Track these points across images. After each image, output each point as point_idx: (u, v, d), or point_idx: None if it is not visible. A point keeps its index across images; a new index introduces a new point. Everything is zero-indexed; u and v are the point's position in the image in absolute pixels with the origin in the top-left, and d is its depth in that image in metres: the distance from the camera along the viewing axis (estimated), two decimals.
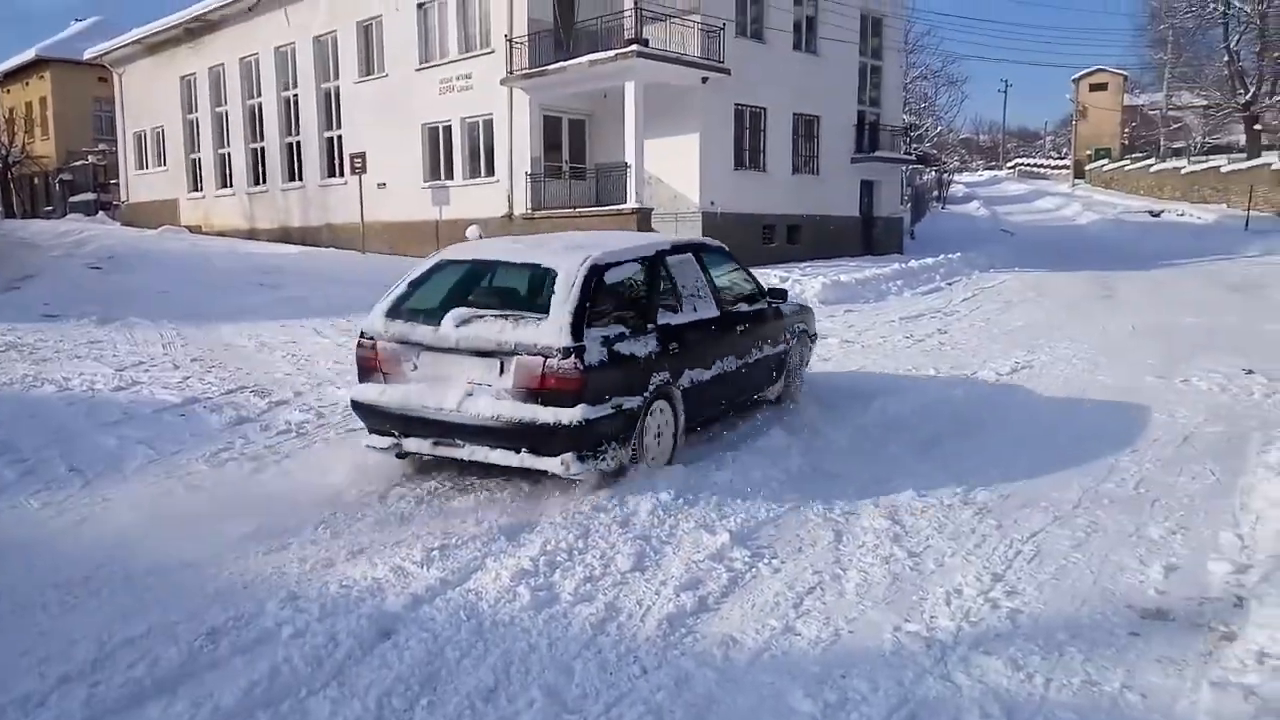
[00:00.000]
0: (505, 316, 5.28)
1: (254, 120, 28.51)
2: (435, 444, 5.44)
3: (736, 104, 21.31)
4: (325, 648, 3.50)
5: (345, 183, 24.51)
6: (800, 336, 7.72)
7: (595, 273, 5.40)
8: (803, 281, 16.16)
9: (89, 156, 40.28)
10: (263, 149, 28.29)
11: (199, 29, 29.42)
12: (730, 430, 6.81)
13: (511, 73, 20.26)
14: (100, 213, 37.47)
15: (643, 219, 18.56)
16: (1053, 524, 4.95)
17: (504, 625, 3.76)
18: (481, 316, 5.30)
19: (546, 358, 5.03)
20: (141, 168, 34.30)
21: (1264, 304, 14.85)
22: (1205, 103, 43.15)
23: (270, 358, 9.91)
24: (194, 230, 29.90)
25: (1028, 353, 10.56)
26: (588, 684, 3.32)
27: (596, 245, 5.87)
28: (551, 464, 5.15)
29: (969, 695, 3.25)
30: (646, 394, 5.48)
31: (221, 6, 27.91)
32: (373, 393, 5.55)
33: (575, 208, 20.28)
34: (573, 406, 5.03)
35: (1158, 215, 37.87)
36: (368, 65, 24.50)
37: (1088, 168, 60.19)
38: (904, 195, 30.51)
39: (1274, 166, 34.86)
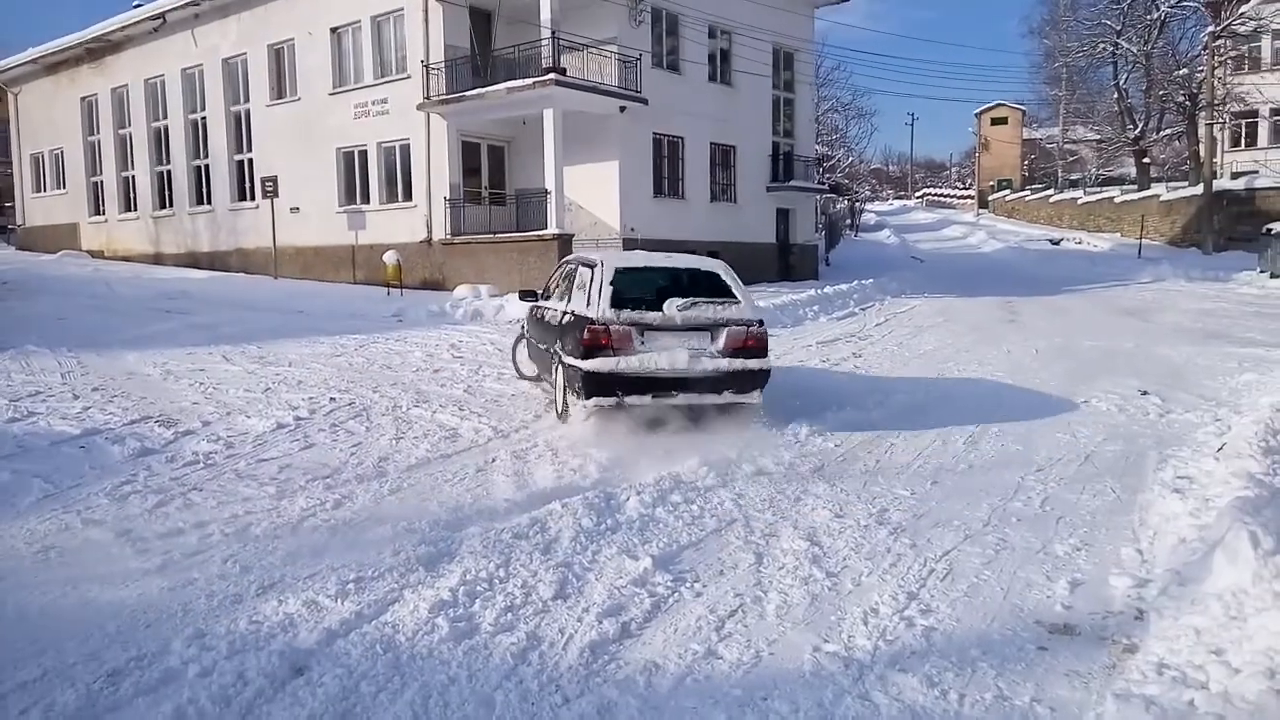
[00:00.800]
0: (710, 302, 7.50)
1: (160, 142, 27.66)
2: (654, 397, 7.33)
3: (655, 133, 21.58)
4: (234, 686, 3.37)
5: (256, 206, 23.94)
6: None
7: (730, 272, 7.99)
8: None
9: None
10: (169, 172, 27.46)
11: (101, 49, 28.50)
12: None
13: (429, 98, 20.14)
14: None
15: (563, 244, 18.59)
16: (964, 542, 5.10)
17: (422, 658, 3.68)
18: (696, 303, 7.44)
19: (748, 326, 7.52)
20: (39, 190, 32.91)
21: (1157, 328, 15.65)
22: (1098, 137, 45.37)
23: (176, 386, 9.54)
24: (96, 255, 28.79)
25: (938, 376, 10.88)
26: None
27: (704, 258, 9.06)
28: (752, 397, 7.60)
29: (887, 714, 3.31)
30: None
31: (124, 27, 27.13)
32: (608, 364, 7.17)
33: (495, 233, 20.22)
34: (764, 358, 7.57)
35: (1057, 243, 39.65)
36: (279, 89, 24.05)
37: (991, 198, 62.63)
38: (818, 223, 31.26)
39: (1162, 198, 36.86)
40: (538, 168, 19.86)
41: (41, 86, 31.66)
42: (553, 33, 18.66)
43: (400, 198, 21.71)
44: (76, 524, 5.25)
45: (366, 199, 22.21)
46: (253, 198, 24.51)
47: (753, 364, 7.49)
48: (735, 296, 7.67)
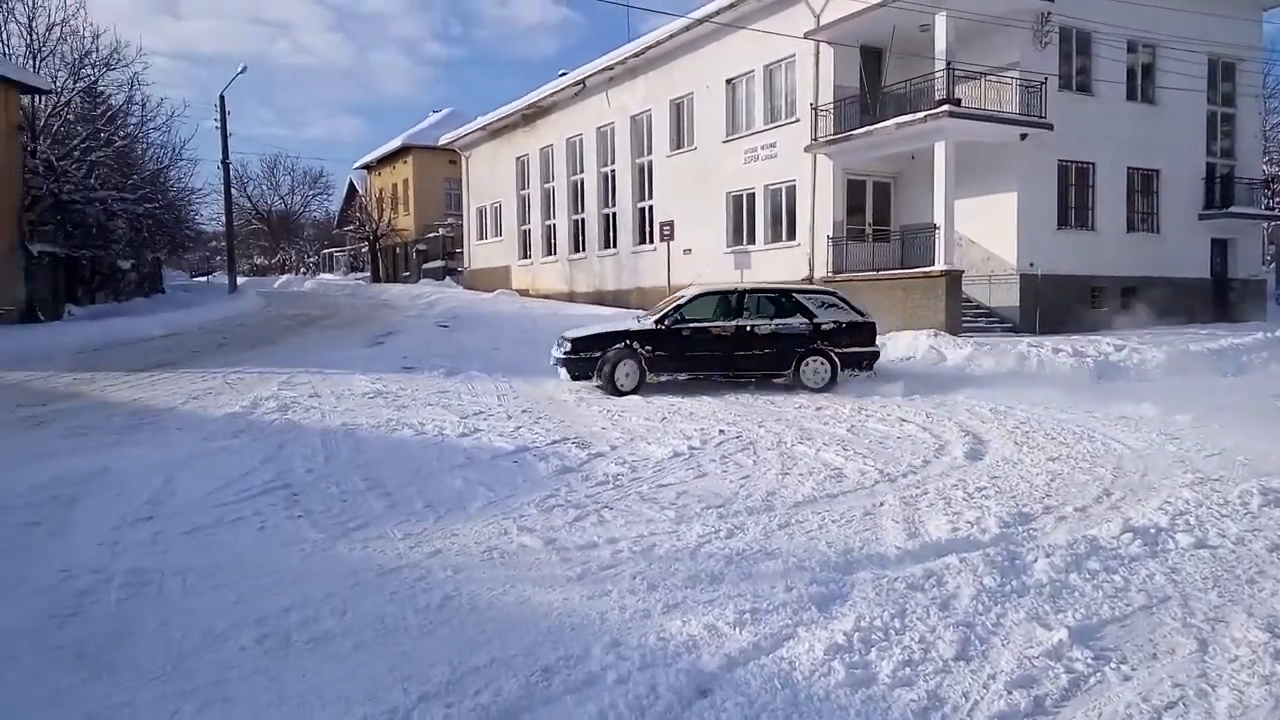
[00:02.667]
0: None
1: (576, 194, 31.10)
2: None
3: (1060, 159, 19.97)
4: (647, 698, 3.61)
5: (654, 249, 25.91)
6: None
7: None
8: (1141, 350, 14.57)
9: (439, 229, 45.94)
10: (583, 220, 30.72)
11: (533, 114, 32.77)
12: None
13: (816, 139, 20.47)
14: (447, 278, 42.56)
15: (952, 281, 17.81)
16: None
17: (819, 699, 3.67)
18: None
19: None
20: (481, 238, 38.51)
21: None
22: None
23: (588, 412, 10.59)
24: (523, 293, 33.01)
25: None
26: None
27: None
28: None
29: None
30: None
31: (553, 94, 30.95)
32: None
33: (878, 270, 19.91)
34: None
35: None
36: (678, 139, 25.91)
37: None
38: (1266, 255, 26.74)
39: None
40: (925, 202, 19.29)
41: (486, 149, 37.19)
42: (947, 64, 18.08)
43: (784, 237, 22.27)
44: (513, 530, 5.98)
45: (752, 239, 23.09)
46: (651, 241, 26.60)
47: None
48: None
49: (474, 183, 38.84)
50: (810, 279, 21.05)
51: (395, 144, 49.46)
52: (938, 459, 8.07)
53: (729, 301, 12.47)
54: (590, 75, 28.65)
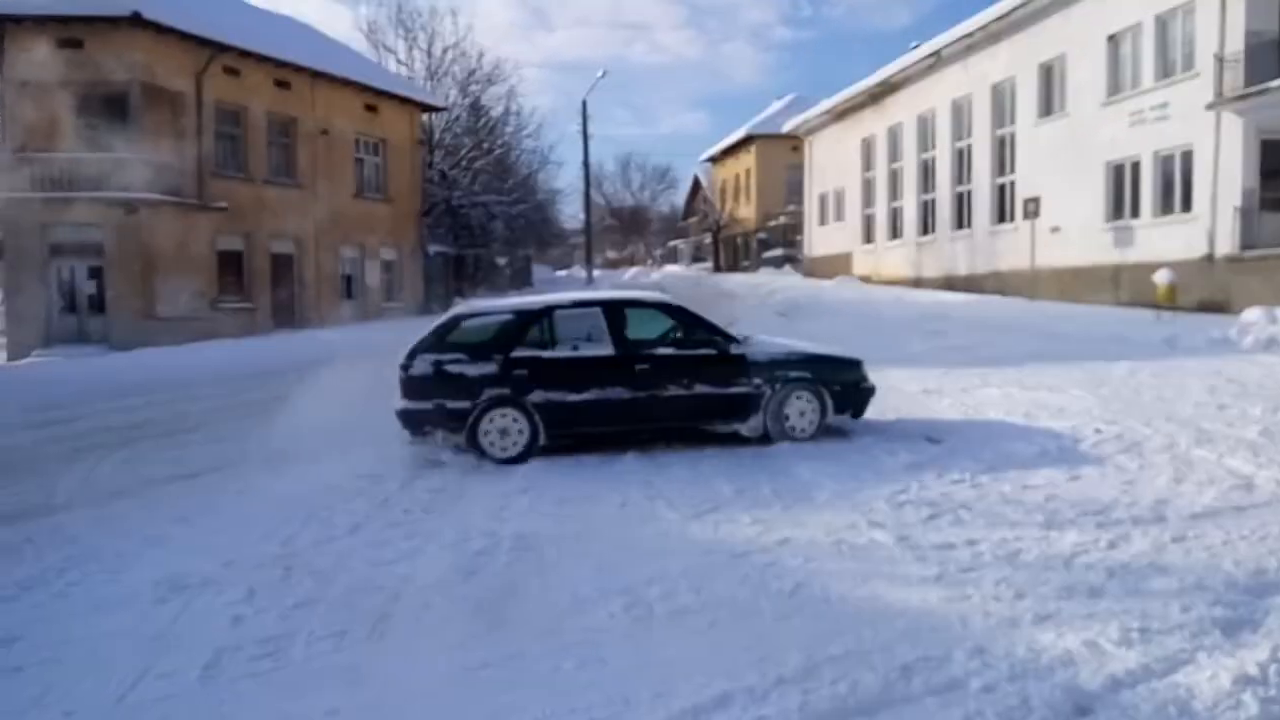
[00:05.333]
0: None
1: (926, 173, 29.72)
2: None
3: None
4: (1018, 710, 3.35)
5: (1015, 228, 24.04)
6: None
7: None
8: None
9: (780, 217, 46.28)
10: (933, 200, 29.30)
11: (881, 92, 31.79)
12: None
13: (1220, 95, 17.72)
14: (786, 265, 42.82)
15: None
16: None
17: None
18: None
19: None
20: (823, 224, 38.22)
21: None
22: None
23: (939, 404, 10.11)
24: (864, 280, 32.28)
25: None
26: None
27: None
28: None
29: None
30: None
31: (904, 69, 29.79)
32: None
33: None
34: None
35: None
36: (1047, 105, 23.74)
37: None
38: None
39: None
40: None
41: (829, 134, 36.78)
42: None
43: (1176, 209, 19.53)
44: (862, 523, 5.85)
45: (1135, 213, 20.53)
46: (1011, 219, 24.69)
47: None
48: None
49: (816, 168, 38.60)
50: (1211, 257, 18.29)
51: (739, 134, 50.54)
52: None
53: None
54: (946, 45, 27.14)
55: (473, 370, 7.98)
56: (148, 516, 6.74)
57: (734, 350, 8.41)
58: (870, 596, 4.59)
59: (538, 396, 7.98)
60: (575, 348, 8.27)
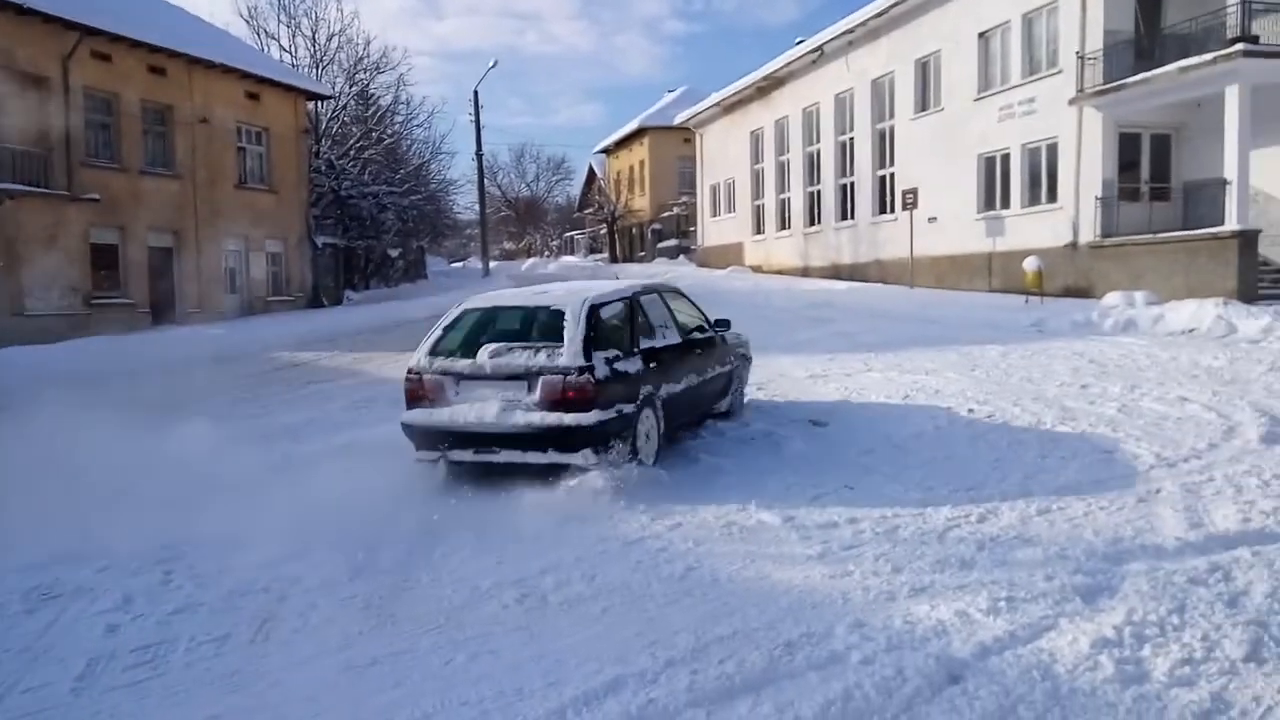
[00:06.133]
0: (527, 347, 6.61)
1: (812, 165, 30.49)
2: (476, 452, 6.60)
3: None
4: (894, 680, 3.52)
5: (895, 219, 24.94)
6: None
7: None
8: None
9: (674, 208, 46.73)
10: (818, 191, 30.09)
11: (768, 86, 32.42)
12: None
13: (1082, 91, 18.79)
14: (680, 256, 43.27)
15: (1246, 243, 15.82)
16: None
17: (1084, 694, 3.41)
18: (510, 348, 6.61)
19: (566, 375, 6.39)
20: (715, 215, 38.78)
21: None
22: None
23: (825, 389, 10.43)
24: (755, 269, 32.93)
25: None
26: None
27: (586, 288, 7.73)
28: (576, 459, 6.38)
29: None
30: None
31: (789, 64, 30.45)
32: (419, 416, 6.76)
33: (1155, 233, 18.01)
34: (587, 412, 6.31)
35: None
36: (923, 101, 24.68)
37: None
38: None
39: None
40: (1213, 155, 17.14)
41: (720, 126, 37.30)
42: None
43: (1043, 200, 20.63)
44: (751, 506, 6.00)
45: (1006, 204, 21.59)
46: (892, 210, 25.60)
47: (571, 419, 6.26)
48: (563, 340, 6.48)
49: (707, 160, 39.11)
50: (1075, 245, 19.40)
51: (632, 126, 50.75)
52: (1226, 441, 7.21)
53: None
54: (829, 40, 27.86)
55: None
56: (12, 523, 6.35)
57: (718, 333, 8.63)
58: (756, 576, 4.73)
59: (664, 391, 7.22)
60: (664, 335, 7.63)
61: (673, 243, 45.86)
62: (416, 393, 6.76)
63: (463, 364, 6.66)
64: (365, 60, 35.71)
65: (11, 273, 19.50)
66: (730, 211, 36.99)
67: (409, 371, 6.85)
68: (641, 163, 50.77)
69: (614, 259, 52.35)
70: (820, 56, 28.72)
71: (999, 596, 4.29)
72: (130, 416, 8.47)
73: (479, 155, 39.68)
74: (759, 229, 34.52)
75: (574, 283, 9.24)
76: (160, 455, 7.43)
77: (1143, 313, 15.14)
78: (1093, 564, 4.72)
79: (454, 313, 7.24)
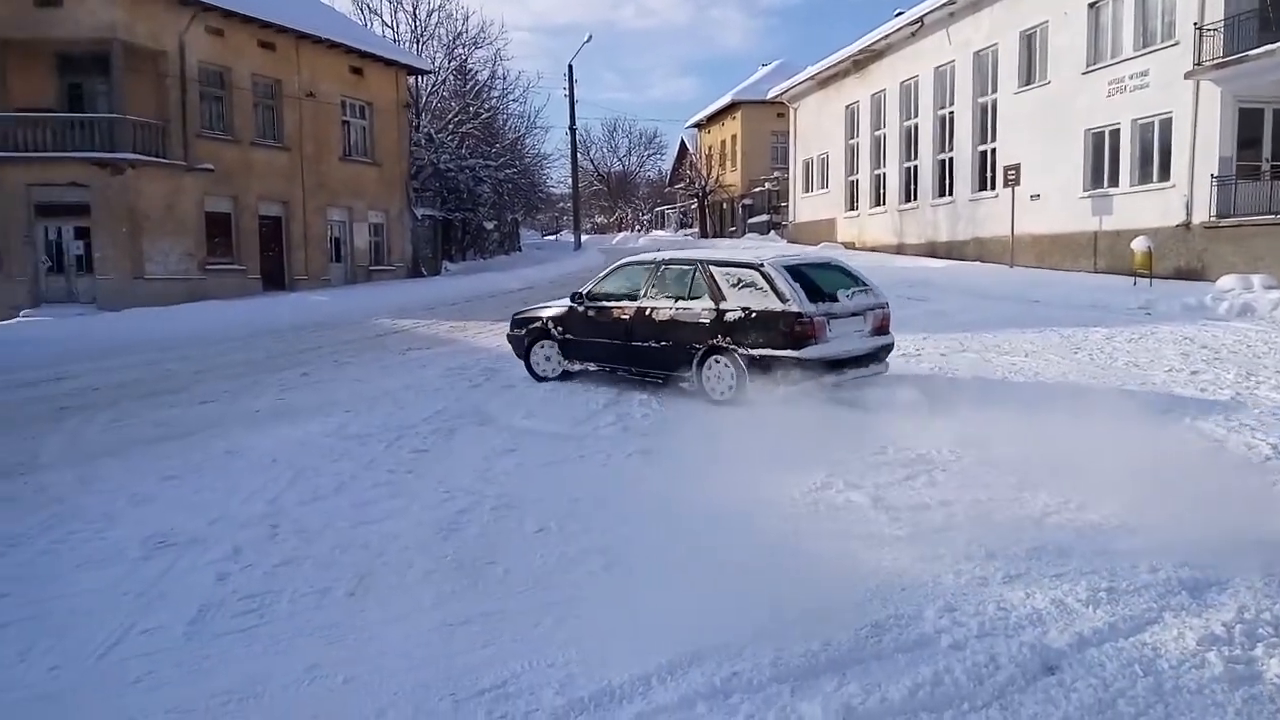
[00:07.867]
0: (859, 290, 8.73)
1: (909, 140, 29.66)
2: (837, 375, 8.25)
3: None
4: (986, 667, 3.45)
5: (995, 196, 24.11)
6: None
7: None
8: None
9: (765, 184, 46.13)
10: (915, 167, 29.28)
11: (865, 59, 31.61)
12: None
13: (1200, 64, 17.75)
14: (771, 231, 42.76)
15: None
16: None
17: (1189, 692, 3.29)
18: (857, 291, 8.66)
19: (884, 308, 8.89)
20: (807, 191, 38.14)
21: None
22: None
23: (917, 369, 10.21)
24: (848, 246, 32.31)
25: None
26: None
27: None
28: (883, 367, 8.88)
29: None
30: None
31: (886, 36, 29.60)
32: (818, 351, 8.08)
33: (1277, 214, 16.97)
34: (890, 334, 9.01)
35: None
36: (1028, 74, 23.71)
37: None
38: None
39: None
40: None
41: (814, 100, 36.57)
42: None
43: (1154, 178, 19.64)
44: (839, 484, 5.93)
45: (1115, 182, 20.63)
46: (992, 187, 24.73)
47: (886, 339, 8.88)
48: (867, 284, 8.82)
49: (801, 135, 38.43)
50: (1188, 224, 18.44)
51: (724, 101, 50.17)
52: None
53: (643, 275, 9.40)
54: (929, 12, 26.95)
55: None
56: (133, 476, 6.74)
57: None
58: (842, 555, 4.69)
59: None
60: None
61: (763, 218, 45.33)
62: (808, 332, 8.03)
63: (835, 306, 8.32)
64: (464, 35, 36.25)
65: (134, 239, 20.58)
66: (823, 187, 36.33)
67: (799, 316, 8.00)
68: (734, 137, 50.19)
69: (704, 234, 52.09)
70: (920, 28, 27.83)
71: (1099, 587, 4.16)
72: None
73: (572, 129, 39.94)
74: (852, 205, 33.82)
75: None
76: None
77: (1261, 297, 14.34)
78: (1201, 557, 4.51)
79: (761, 266, 8.46)
